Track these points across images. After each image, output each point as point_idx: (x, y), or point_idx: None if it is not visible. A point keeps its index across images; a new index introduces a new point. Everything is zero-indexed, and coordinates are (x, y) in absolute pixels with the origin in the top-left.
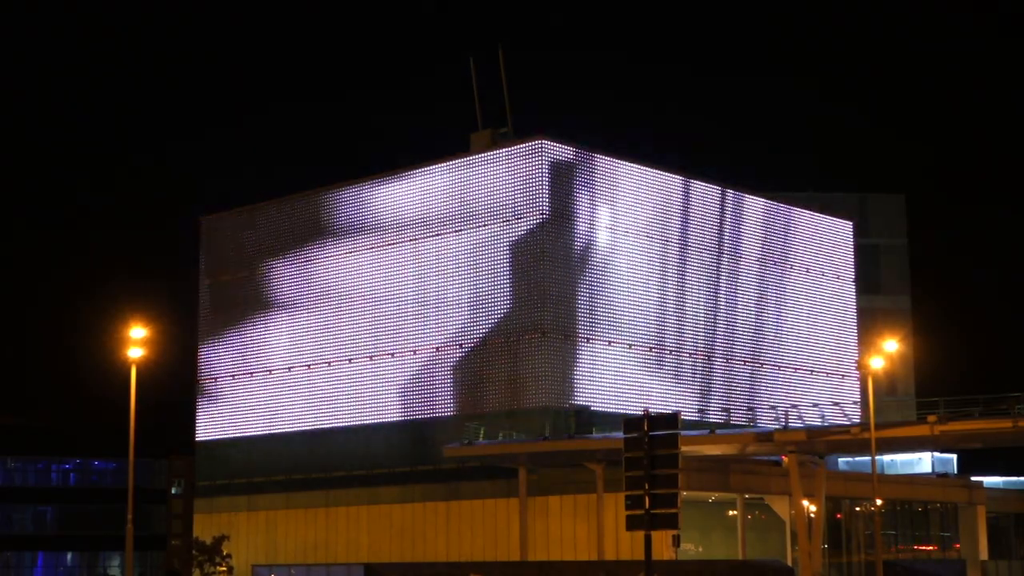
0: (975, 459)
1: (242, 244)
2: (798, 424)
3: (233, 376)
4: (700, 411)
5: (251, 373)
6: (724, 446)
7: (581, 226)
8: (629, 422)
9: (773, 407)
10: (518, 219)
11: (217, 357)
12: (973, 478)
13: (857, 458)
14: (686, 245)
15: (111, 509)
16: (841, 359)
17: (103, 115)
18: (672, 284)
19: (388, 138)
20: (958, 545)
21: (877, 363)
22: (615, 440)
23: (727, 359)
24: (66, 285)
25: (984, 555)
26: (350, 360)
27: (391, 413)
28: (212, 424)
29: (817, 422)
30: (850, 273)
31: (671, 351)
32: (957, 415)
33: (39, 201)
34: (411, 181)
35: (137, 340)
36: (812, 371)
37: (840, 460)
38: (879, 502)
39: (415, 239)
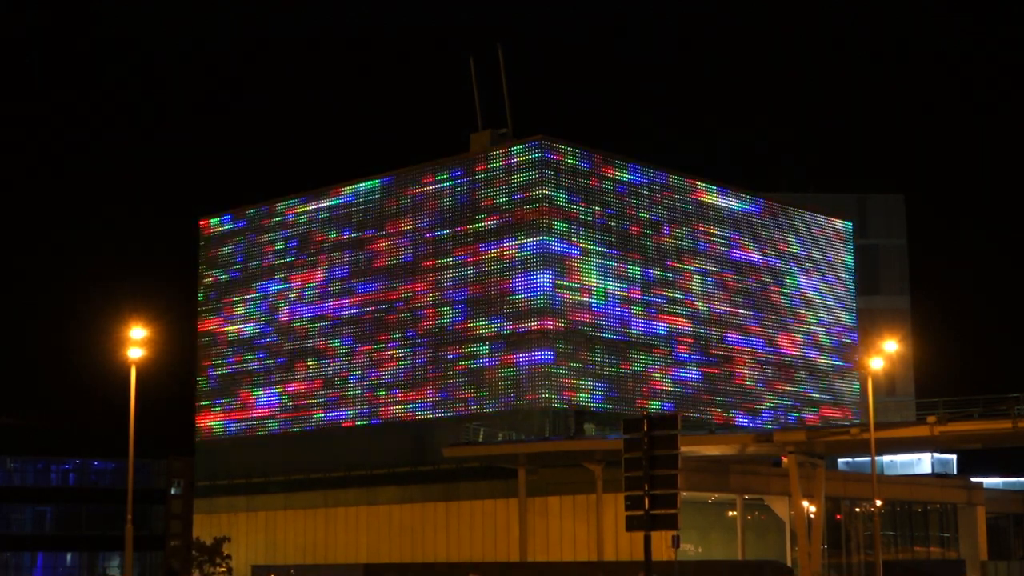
0: (974, 460)
1: (242, 244)
2: (797, 424)
3: (232, 376)
4: (700, 411)
5: (250, 373)
6: (723, 446)
7: (581, 225)
8: (628, 423)
9: (773, 407)
10: (517, 219)
11: (217, 357)
12: (972, 479)
13: (857, 459)
14: (687, 245)
15: (110, 509)
16: (840, 360)
17: (103, 114)
18: (672, 284)
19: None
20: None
21: (877, 363)
22: (614, 440)
23: (728, 359)
24: (66, 285)
25: (983, 556)
26: (349, 360)
27: (390, 413)
28: (211, 424)
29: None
30: (849, 274)
31: (671, 351)
32: (956, 416)
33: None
34: (411, 181)
35: (137, 340)
36: (812, 371)
37: (839, 460)
38: (879, 503)
39: (415, 238)
